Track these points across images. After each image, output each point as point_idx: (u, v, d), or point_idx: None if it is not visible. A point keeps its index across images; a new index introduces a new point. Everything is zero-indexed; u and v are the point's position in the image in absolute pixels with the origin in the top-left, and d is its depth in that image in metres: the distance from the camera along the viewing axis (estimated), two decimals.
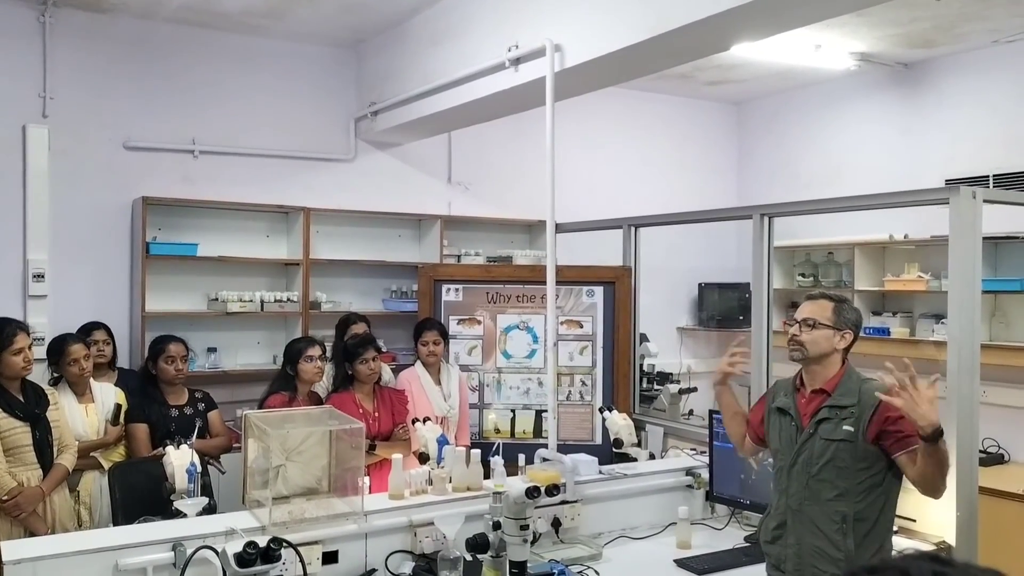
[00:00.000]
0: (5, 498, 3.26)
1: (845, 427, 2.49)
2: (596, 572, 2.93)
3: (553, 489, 2.79)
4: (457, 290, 4.89)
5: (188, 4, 4.70)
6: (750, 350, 2.89)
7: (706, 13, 3.09)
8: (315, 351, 4.01)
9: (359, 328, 4.54)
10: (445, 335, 4.40)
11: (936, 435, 2.26)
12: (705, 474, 3.48)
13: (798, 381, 2.68)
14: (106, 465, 3.68)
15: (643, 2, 3.36)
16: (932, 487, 2.41)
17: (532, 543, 2.82)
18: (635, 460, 3.64)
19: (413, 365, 4.38)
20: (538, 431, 4.74)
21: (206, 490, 3.08)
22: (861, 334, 5.47)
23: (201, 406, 4.05)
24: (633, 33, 3.41)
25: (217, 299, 4.98)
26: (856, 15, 4.20)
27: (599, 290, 4.83)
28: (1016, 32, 4.91)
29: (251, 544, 2.35)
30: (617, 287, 4.81)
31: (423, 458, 3.31)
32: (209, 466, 3.87)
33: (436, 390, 4.27)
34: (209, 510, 2.90)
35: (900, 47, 5.27)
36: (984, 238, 3.16)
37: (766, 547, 2.69)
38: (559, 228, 4.18)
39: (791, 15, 3.17)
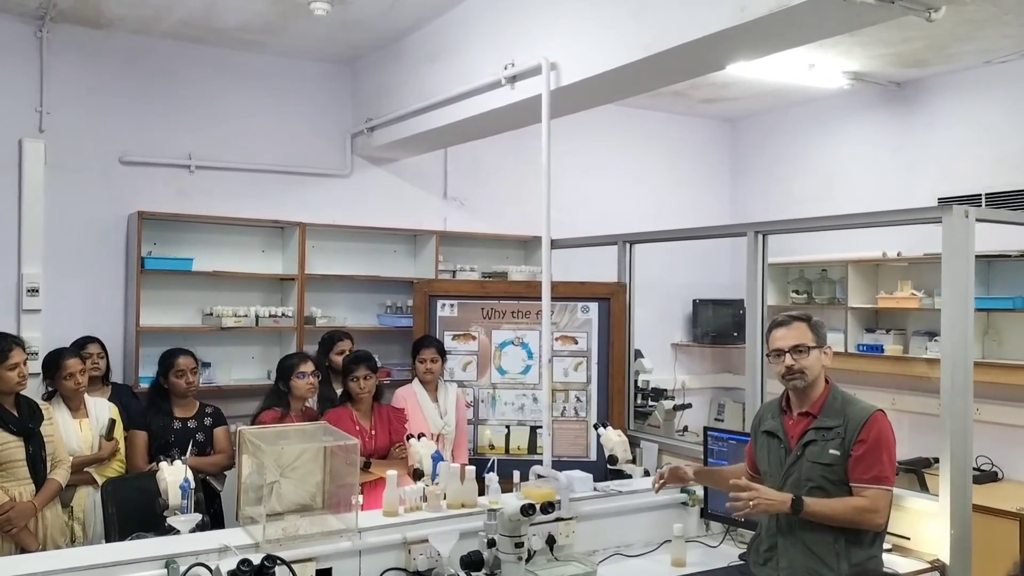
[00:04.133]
0: None
1: (831, 450, 2.50)
2: None
3: (548, 506, 2.79)
4: (452, 306, 4.90)
5: (185, 20, 4.73)
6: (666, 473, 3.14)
7: (701, 33, 3.12)
8: (307, 367, 4.00)
9: (345, 345, 4.55)
10: (443, 353, 4.40)
11: (797, 508, 2.46)
12: (700, 491, 3.47)
13: (783, 403, 2.68)
14: (100, 480, 3.67)
15: (639, 21, 3.38)
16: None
17: (527, 560, 2.82)
18: (630, 477, 3.64)
19: (410, 382, 4.39)
20: (533, 447, 4.73)
21: (199, 506, 3.06)
22: (855, 351, 5.51)
23: (208, 421, 4.04)
24: (629, 52, 3.43)
25: (212, 314, 4.97)
26: (849, 35, 4.23)
27: (594, 306, 4.84)
28: (1007, 53, 4.96)
29: (245, 561, 2.34)
30: (612, 303, 4.82)
31: (417, 474, 3.30)
32: (209, 482, 3.86)
33: (433, 407, 4.26)
34: (203, 527, 2.89)
35: (893, 66, 5.32)
36: (977, 256, 3.18)
37: (757, 569, 2.69)
38: (554, 244, 4.19)
39: (785, 35, 3.20)
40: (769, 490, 2.50)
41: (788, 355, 2.58)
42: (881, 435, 2.51)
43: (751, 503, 2.45)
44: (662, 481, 3.12)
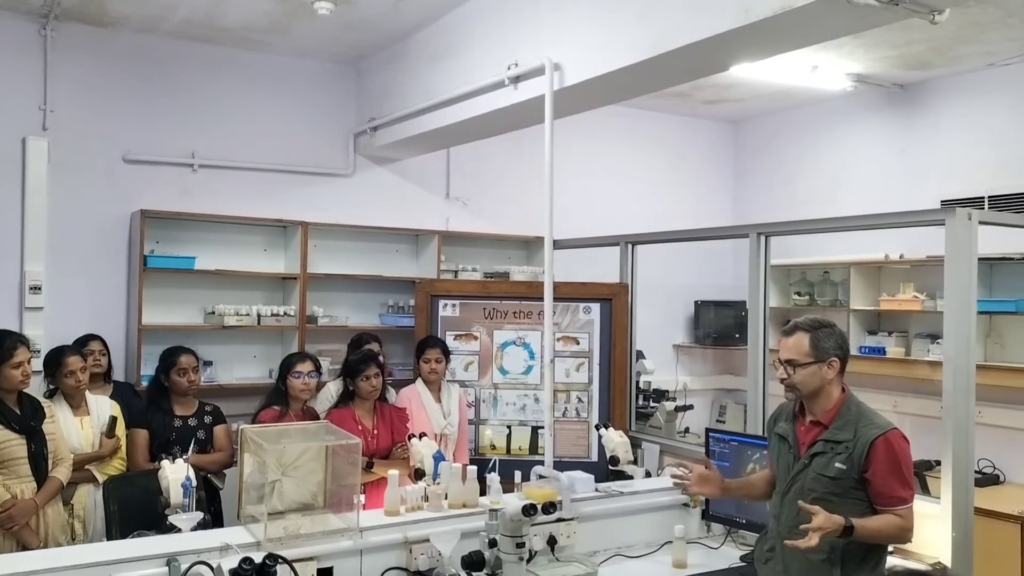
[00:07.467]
0: None
1: (837, 464, 2.48)
2: None
3: (549, 506, 2.79)
4: (454, 305, 4.90)
5: (190, 19, 4.73)
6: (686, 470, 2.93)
7: (705, 34, 3.11)
8: (305, 367, 4.00)
9: (373, 347, 4.54)
10: (447, 353, 4.41)
11: (848, 533, 2.37)
12: None
13: (797, 407, 2.66)
14: (101, 478, 3.67)
15: (643, 22, 3.38)
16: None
17: (528, 561, 2.82)
18: (631, 478, 3.64)
19: (413, 382, 4.39)
20: (534, 447, 4.74)
21: (201, 505, 3.06)
22: (857, 353, 5.46)
23: (207, 419, 4.04)
24: (632, 53, 3.43)
25: (214, 312, 4.97)
26: (853, 37, 4.22)
27: (596, 307, 4.84)
28: (1011, 55, 4.96)
29: (246, 560, 2.35)
30: (614, 304, 4.82)
31: (419, 474, 3.31)
32: (210, 480, 3.86)
33: (436, 407, 4.27)
34: (204, 525, 2.89)
35: (896, 69, 5.32)
36: (979, 259, 3.19)
37: (759, 567, 2.70)
38: (556, 245, 4.19)
39: (789, 37, 3.19)
40: (826, 521, 2.35)
41: (783, 368, 2.56)
42: (900, 455, 2.46)
43: (813, 541, 2.32)
44: (684, 482, 2.89)
